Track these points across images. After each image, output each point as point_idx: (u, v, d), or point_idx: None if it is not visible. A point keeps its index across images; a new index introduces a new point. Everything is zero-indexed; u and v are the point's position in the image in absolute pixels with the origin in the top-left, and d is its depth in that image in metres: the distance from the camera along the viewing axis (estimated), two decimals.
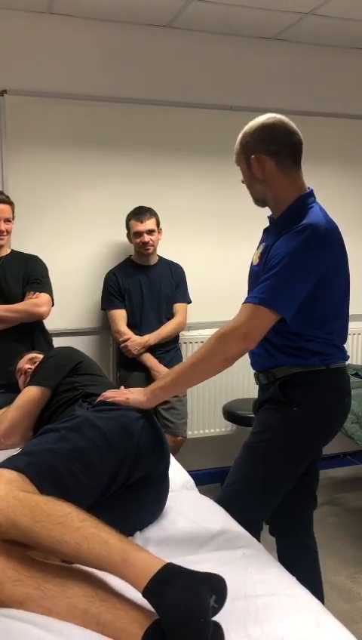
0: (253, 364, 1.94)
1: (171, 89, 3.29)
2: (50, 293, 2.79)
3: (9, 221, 2.76)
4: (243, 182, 1.85)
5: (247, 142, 1.77)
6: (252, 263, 1.91)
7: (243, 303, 1.70)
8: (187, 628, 1.04)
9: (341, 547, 2.92)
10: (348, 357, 1.92)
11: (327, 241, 1.70)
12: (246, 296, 1.93)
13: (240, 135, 1.81)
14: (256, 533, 1.80)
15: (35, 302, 2.70)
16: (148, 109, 3.26)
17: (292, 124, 1.79)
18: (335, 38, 3.43)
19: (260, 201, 1.85)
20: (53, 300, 2.80)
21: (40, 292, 2.73)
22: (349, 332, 3.74)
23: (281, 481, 1.87)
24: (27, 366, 2.35)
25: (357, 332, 3.76)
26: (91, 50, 3.15)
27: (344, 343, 1.89)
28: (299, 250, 1.65)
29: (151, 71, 3.25)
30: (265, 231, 1.91)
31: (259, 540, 1.85)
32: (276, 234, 1.77)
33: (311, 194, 1.79)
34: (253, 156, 1.75)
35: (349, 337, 3.80)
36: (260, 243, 1.91)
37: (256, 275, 1.81)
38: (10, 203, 2.77)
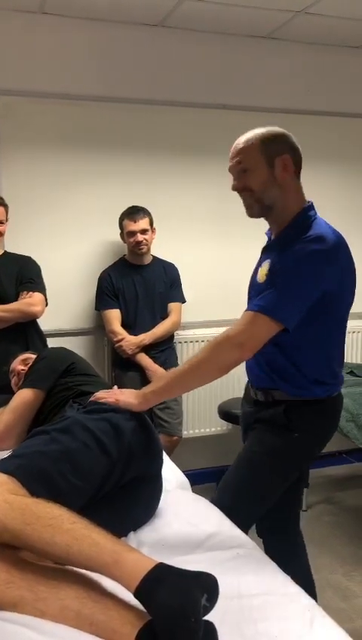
0: (253, 381, 1.93)
1: (164, 88, 3.28)
2: (44, 292, 2.79)
3: (2, 223, 2.75)
4: (235, 189, 1.76)
5: (272, 143, 1.70)
6: (256, 280, 1.84)
7: (245, 310, 1.67)
8: (179, 627, 1.04)
9: (337, 545, 2.92)
10: (343, 380, 1.93)
11: (333, 253, 1.66)
12: (241, 297, 1.91)
13: (252, 137, 1.71)
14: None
15: (29, 301, 2.71)
16: (140, 109, 3.25)
17: None
18: (327, 37, 3.43)
19: (265, 208, 1.74)
20: (46, 299, 2.79)
21: (33, 292, 2.73)
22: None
23: (273, 494, 1.90)
24: (20, 367, 2.34)
25: (353, 330, 3.76)
26: (84, 50, 3.14)
27: (342, 365, 1.90)
28: (305, 260, 1.63)
29: (144, 70, 3.24)
30: (265, 249, 1.87)
31: None
32: (280, 248, 1.72)
33: (312, 207, 1.77)
34: (282, 157, 1.68)
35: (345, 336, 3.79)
36: (262, 261, 1.85)
37: (258, 292, 1.76)
38: (4, 205, 2.76)
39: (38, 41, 3.05)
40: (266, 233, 1.90)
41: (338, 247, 1.68)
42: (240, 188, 1.75)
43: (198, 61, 3.33)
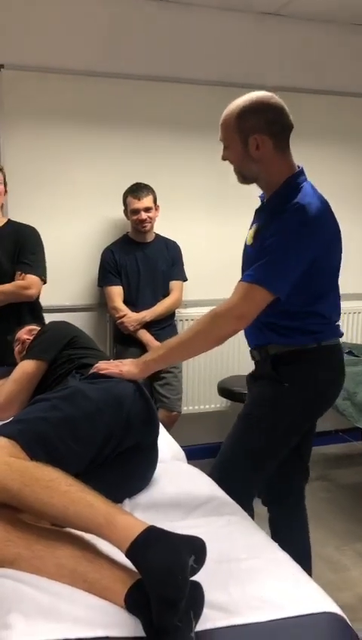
0: (248, 341, 1.97)
1: (168, 64, 3.28)
2: (40, 272, 2.75)
3: None
4: (224, 159, 1.81)
5: (246, 120, 1.71)
6: (246, 244, 1.91)
7: (239, 281, 1.72)
8: (166, 585, 1.08)
9: (331, 521, 2.99)
10: (342, 333, 1.93)
11: (320, 220, 1.71)
12: (241, 275, 1.95)
13: (232, 111, 1.74)
14: (247, 506, 1.83)
15: (22, 284, 2.69)
16: (145, 85, 3.26)
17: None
18: (333, 14, 3.39)
19: (249, 179, 1.81)
20: (45, 277, 2.77)
21: (28, 273, 2.70)
22: (344, 311, 3.77)
23: (269, 456, 1.90)
24: (25, 336, 2.37)
25: (352, 311, 3.79)
26: (89, 26, 3.13)
27: (338, 320, 1.90)
28: (293, 229, 1.67)
29: (149, 46, 3.24)
30: (257, 211, 1.91)
31: (252, 513, 1.89)
32: (269, 214, 1.77)
33: (301, 172, 1.80)
34: (255, 136, 1.70)
35: (344, 316, 3.85)
36: (252, 223, 1.91)
37: (250, 256, 1.82)
38: (0, 169, 2.75)
39: (43, 16, 3.05)
40: (260, 196, 1.91)
41: (323, 213, 1.72)
42: (223, 159, 1.82)
43: (203, 38, 3.32)
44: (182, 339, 1.76)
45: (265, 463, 1.91)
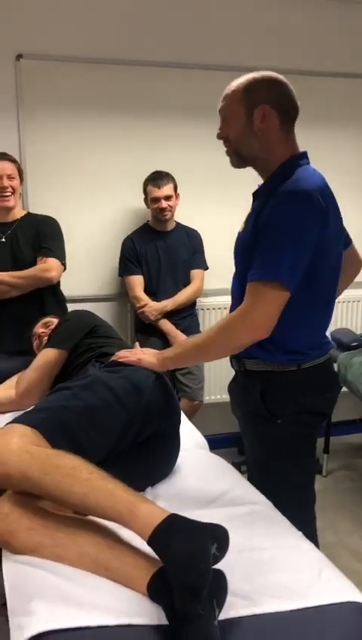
0: None
1: (187, 51, 3.23)
2: (60, 257, 2.77)
3: (13, 178, 2.72)
4: (219, 137, 1.67)
5: (256, 91, 1.58)
6: (239, 231, 1.77)
7: (248, 282, 1.53)
8: (188, 572, 1.08)
9: (355, 510, 2.95)
10: (330, 346, 1.75)
11: (321, 202, 1.53)
12: (234, 265, 1.79)
13: (240, 83, 1.61)
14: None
15: (43, 267, 2.70)
16: (164, 72, 3.22)
17: None
18: None
19: (246, 160, 1.66)
20: (65, 263, 2.79)
21: (49, 257, 2.72)
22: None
23: (309, 479, 1.82)
24: (41, 330, 2.39)
25: None
26: (106, 13, 3.10)
27: (325, 331, 1.74)
28: (293, 213, 1.50)
29: (167, 33, 3.19)
30: (254, 195, 1.75)
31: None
32: (265, 196, 1.62)
33: (304, 155, 1.66)
34: (262, 106, 1.56)
35: (358, 304, 3.76)
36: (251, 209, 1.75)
37: (242, 242, 1.69)
38: (13, 161, 2.75)
39: (61, 4, 3.02)
40: (259, 185, 1.76)
41: (325, 195, 1.55)
42: (220, 136, 1.67)
43: (222, 23, 3.26)
44: (197, 343, 1.68)
45: (309, 480, 1.81)
